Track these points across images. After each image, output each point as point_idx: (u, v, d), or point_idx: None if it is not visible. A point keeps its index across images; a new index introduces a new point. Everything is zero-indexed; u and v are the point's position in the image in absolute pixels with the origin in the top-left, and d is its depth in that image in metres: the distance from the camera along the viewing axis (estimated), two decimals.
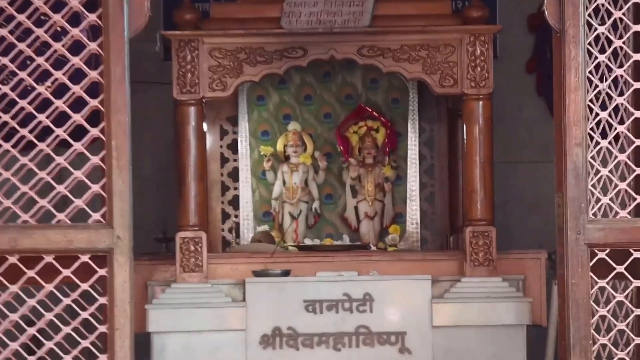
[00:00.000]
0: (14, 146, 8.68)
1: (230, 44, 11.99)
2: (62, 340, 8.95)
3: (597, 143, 8.95)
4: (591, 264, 8.61)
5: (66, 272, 8.14)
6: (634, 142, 9.17)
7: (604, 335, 8.04)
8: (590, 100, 9.38)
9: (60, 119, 8.47)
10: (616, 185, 8.81)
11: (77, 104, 8.57)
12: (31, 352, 8.87)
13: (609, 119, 9.57)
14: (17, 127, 8.78)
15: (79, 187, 8.46)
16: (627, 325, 8.91)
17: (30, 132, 8.85)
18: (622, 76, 9.50)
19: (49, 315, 8.47)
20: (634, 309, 8.77)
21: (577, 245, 9.17)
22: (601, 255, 8.60)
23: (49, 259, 8.05)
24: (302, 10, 12.24)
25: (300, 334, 10.77)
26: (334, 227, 12.90)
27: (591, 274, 8.30)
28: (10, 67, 8.84)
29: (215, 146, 12.99)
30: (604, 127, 8.26)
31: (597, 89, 9.33)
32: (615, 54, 9.22)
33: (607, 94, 9.21)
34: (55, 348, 8.52)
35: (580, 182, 8.65)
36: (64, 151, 8.61)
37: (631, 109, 8.83)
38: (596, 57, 9.24)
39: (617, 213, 8.78)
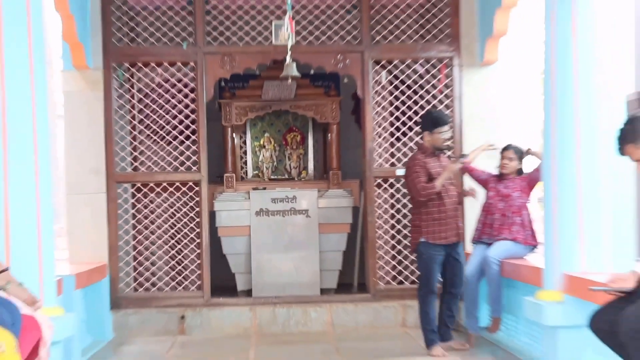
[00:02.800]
0: (162, 140, 13.70)
1: (244, 104, 14.98)
2: (182, 217, 13.43)
3: (378, 139, 13.76)
4: (375, 184, 13.70)
5: (184, 189, 13.34)
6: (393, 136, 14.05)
7: (380, 214, 13.91)
8: (377, 124, 13.72)
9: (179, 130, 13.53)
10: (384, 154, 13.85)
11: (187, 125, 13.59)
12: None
13: (381, 131, 13.87)
14: (164, 134, 13.58)
15: (188, 157, 13.24)
16: (389, 217, 13.98)
17: (169, 135, 13.59)
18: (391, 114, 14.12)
19: (179, 205, 13.38)
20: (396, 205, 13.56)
21: (370, 176, 13.68)
22: (378, 180, 13.69)
23: (177, 184, 13.36)
24: (270, 91, 14.98)
25: (270, 210, 14.03)
26: (283, 172, 15.90)
27: (375, 188, 13.68)
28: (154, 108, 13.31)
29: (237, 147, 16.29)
30: (379, 134, 13.78)
31: (377, 122, 13.84)
32: (395, 106, 13.77)
33: (379, 124, 13.78)
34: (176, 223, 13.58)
35: (371, 154, 13.62)
36: (178, 145, 13.60)
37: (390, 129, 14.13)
38: (378, 111, 13.85)
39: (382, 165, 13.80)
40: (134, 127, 13.67)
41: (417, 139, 13.13)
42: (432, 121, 10.46)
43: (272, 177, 15.49)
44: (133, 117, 13.68)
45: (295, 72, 11.96)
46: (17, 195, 8.17)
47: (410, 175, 10.22)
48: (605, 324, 6.48)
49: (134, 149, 13.64)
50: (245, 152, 15.79)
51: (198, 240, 13.29)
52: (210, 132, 13.78)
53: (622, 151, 6.45)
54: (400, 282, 13.38)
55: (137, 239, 13.53)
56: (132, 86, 13.58)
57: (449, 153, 10.77)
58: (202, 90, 13.16)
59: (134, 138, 13.66)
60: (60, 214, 12.47)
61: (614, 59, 5.11)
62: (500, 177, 11.02)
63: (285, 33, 11.43)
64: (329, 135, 15.29)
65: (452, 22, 13.33)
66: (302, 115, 15.58)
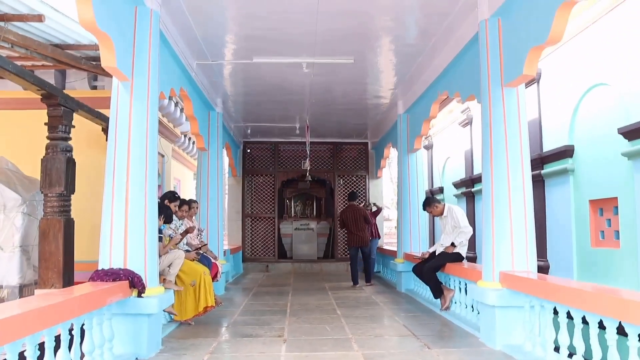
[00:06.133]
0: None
1: (291, 189, 13.96)
2: (268, 230, 13.80)
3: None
4: (337, 219, 12.77)
5: (269, 220, 13.30)
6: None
7: (339, 232, 13.18)
8: (339, 197, 12.64)
9: None
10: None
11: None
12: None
13: (340, 201, 12.66)
14: (263, 199, 14.15)
15: (271, 207, 13.06)
16: None
17: (265, 199, 13.80)
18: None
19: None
20: None
21: (335, 216, 11.65)
22: (338, 218, 12.26)
23: (266, 218, 13.12)
24: (300, 185, 13.60)
25: (299, 228, 13.18)
26: (305, 214, 14.25)
27: (337, 221, 11.89)
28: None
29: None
30: (340, 202, 12.54)
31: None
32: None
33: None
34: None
35: (336, 208, 11.91)
36: (267, 203, 13.49)
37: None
38: (339, 193, 12.60)
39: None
40: (252, 197, 13.04)
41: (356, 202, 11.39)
42: (352, 196, 9.85)
43: (300, 216, 14.21)
44: (251, 192, 13.06)
45: (309, 178, 11.83)
46: (213, 222, 8.22)
47: (367, 215, 9.48)
48: (418, 270, 6.46)
49: (252, 204, 13.00)
50: (291, 206, 14.37)
51: (273, 238, 12.83)
52: (279, 200, 13.17)
53: (425, 210, 6.61)
54: (345, 255, 12.37)
55: (252, 236, 12.93)
56: (251, 182, 13.04)
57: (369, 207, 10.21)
58: (276, 185, 12.89)
59: (252, 201, 13.03)
60: (226, 228, 11.97)
61: (518, 140, 4.58)
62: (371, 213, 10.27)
63: (307, 164, 11.13)
64: (322, 201, 14.31)
65: (366, 162, 13.00)
66: (312, 194, 14.33)
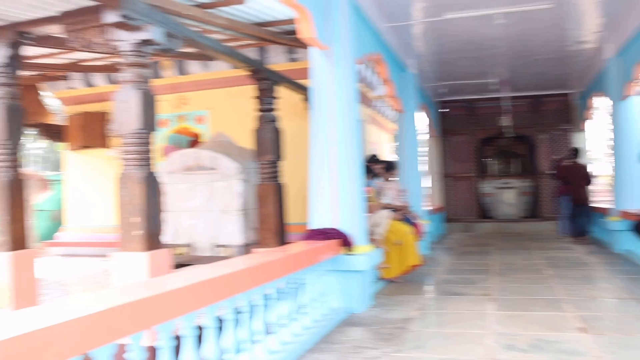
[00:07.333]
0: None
1: (489, 147, 13.14)
2: (469, 188, 13.76)
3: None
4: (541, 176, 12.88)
5: (467, 179, 13.13)
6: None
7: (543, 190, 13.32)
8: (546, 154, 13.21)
9: None
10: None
11: None
12: None
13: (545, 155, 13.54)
14: (464, 158, 14.01)
15: (469, 167, 13.38)
16: None
17: (462, 159, 14.00)
18: None
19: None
20: None
21: (539, 173, 13.24)
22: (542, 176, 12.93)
23: (465, 177, 13.03)
24: (499, 143, 12.91)
25: (500, 187, 12.59)
26: (506, 172, 13.59)
27: (543, 177, 12.74)
28: None
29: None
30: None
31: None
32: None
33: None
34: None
35: (540, 165, 13.07)
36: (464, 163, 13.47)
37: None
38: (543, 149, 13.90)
39: None
40: (451, 156, 12.97)
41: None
42: (576, 152, 9.68)
43: (501, 174, 13.17)
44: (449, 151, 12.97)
45: (510, 134, 11.51)
46: (413, 183, 8.33)
47: (589, 176, 9.40)
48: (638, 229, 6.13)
49: (451, 164, 12.87)
50: (491, 165, 13.52)
51: (474, 198, 12.67)
52: (478, 159, 12.95)
53: None
54: (553, 215, 11.39)
55: (453, 196, 12.86)
56: (449, 141, 12.93)
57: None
58: (475, 143, 12.71)
59: (451, 161, 12.91)
60: (428, 188, 11.74)
61: None
62: None
63: (506, 120, 10.93)
64: (523, 158, 13.17)
65: (568, 114, 12.15)
66: (512, 151, 13.31)
